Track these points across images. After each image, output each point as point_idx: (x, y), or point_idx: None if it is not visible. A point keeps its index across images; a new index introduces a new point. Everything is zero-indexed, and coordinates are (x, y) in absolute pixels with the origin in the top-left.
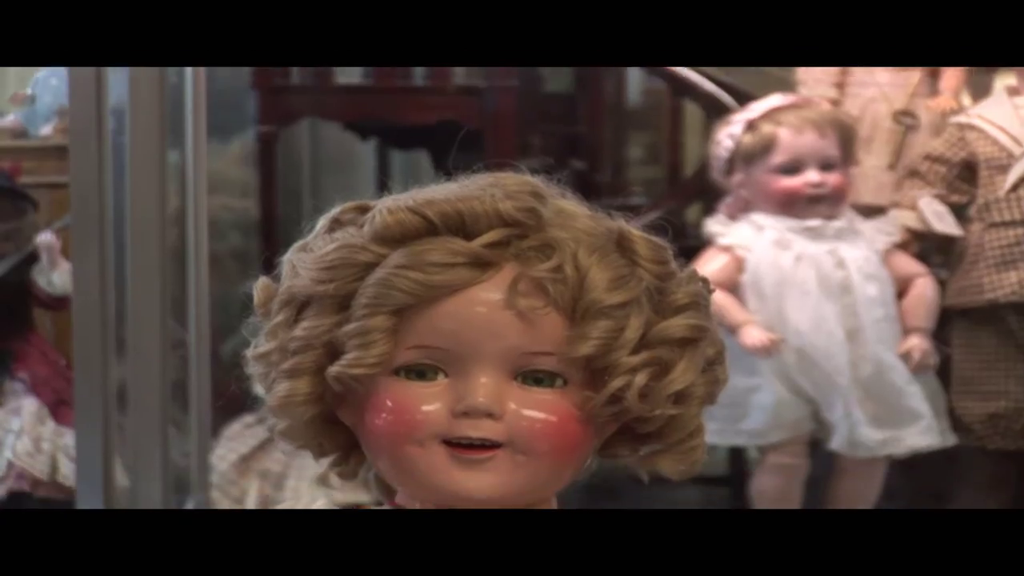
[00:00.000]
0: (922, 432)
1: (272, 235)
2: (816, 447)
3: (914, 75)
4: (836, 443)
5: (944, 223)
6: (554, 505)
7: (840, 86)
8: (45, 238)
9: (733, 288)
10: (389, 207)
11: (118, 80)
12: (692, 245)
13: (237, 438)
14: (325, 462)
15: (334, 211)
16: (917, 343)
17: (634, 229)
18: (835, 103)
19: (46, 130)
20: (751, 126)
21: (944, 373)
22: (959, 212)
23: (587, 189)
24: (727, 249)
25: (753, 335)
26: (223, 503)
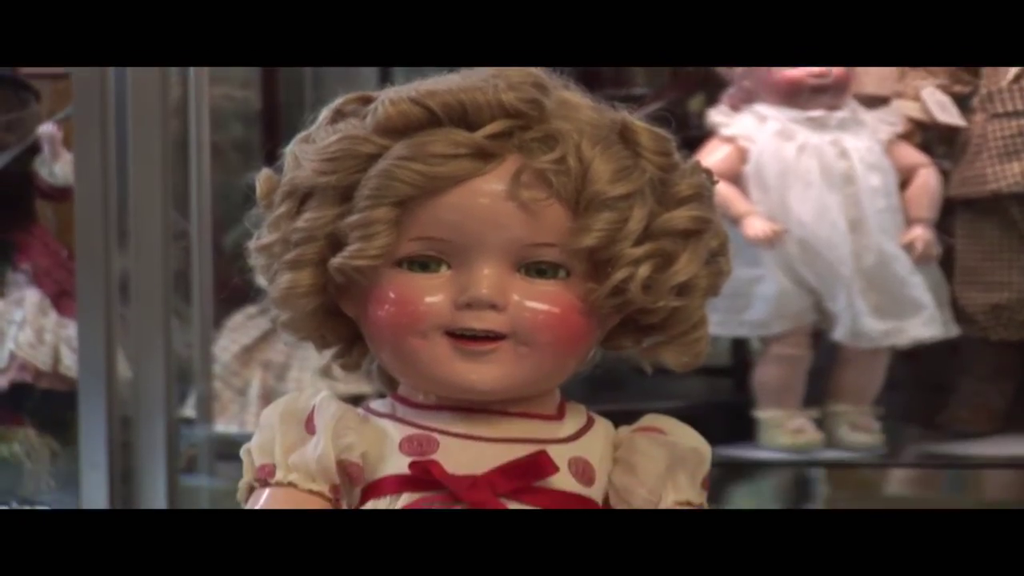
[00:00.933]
0: (925, 323)
1: (274, 126)
2: (819, 338)
3: None
4: (839, 334)
5: (947, 113)
6: (557, 398)
7: None
8: (47, 129)
9: (736, 179)
10: (391, 98)
11: None
12: (695, 136)
13: (239, 329)
14: (327, 354)
15: (337, 102)
16: (920, 234)
17: (637, 120)
18: None
19: None
20: None
21: (947, 264)
22: (962, 103)
23: (590, 80)
24: (730, 140)
25: (756, 226)
26: (225, 394)
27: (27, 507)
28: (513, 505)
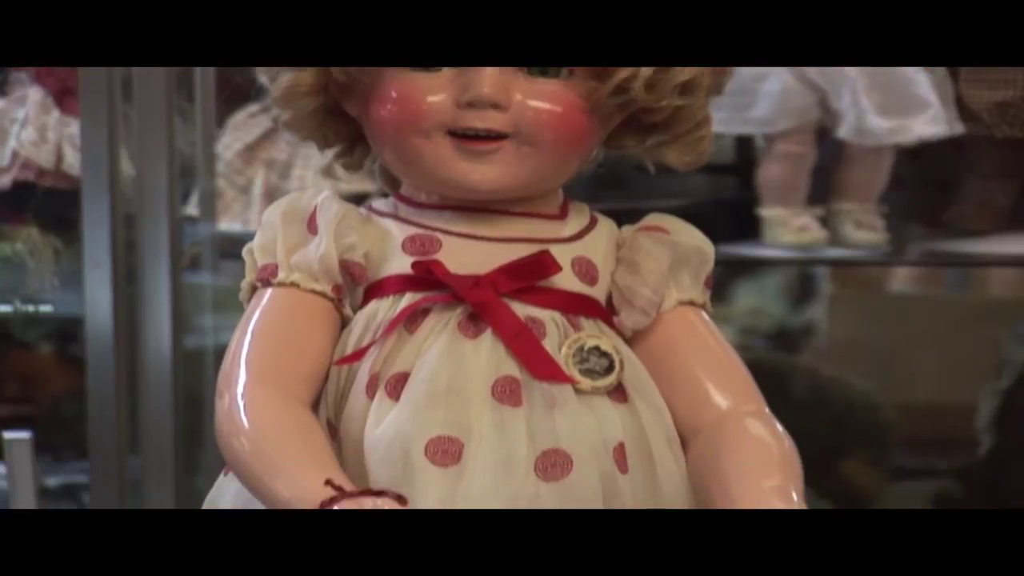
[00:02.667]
0: (930, 120)
1: None
2: (823, 136)
3: None
4: (844, 131)
5: None
6: (560, 197)
7: None
8: None
9: None
10: None
11: None
12: None
13: (242, 127)
14: (330, 153)
15: None
16: None
17: None
18: None
19: None
20: None
21: None
22: None
23: None
24: None
25: None
26: (228, 192)
27: (30, 306)
28: (515, 305)
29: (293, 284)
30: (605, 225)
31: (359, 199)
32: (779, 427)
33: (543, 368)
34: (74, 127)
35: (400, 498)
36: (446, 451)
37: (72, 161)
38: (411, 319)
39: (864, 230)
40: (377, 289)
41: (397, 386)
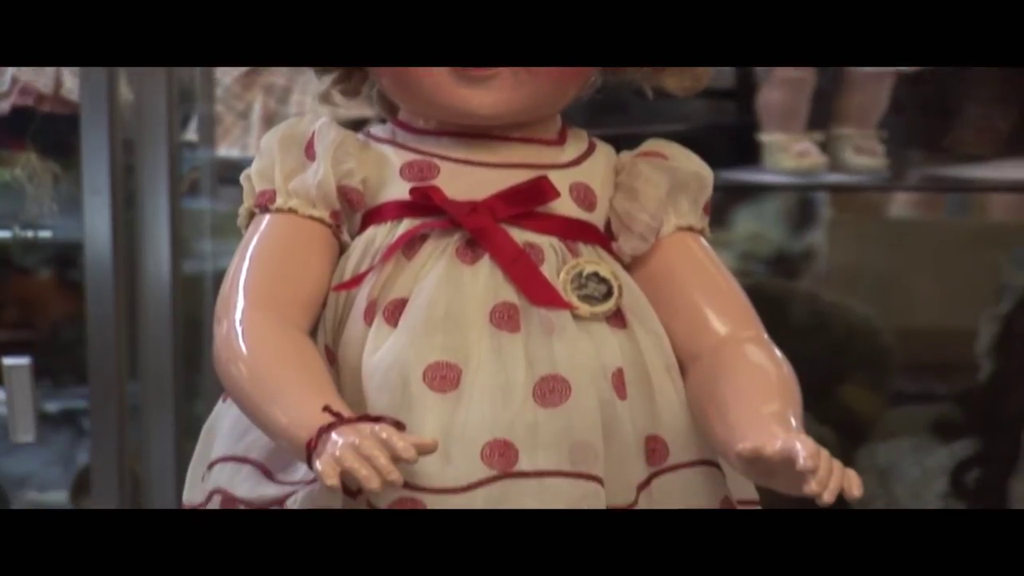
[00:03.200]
0: None
1: None
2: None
3: None
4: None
5: None
6: (558, 123)
7: None
8: None
9: None
10: None
11: None
12: None
13: None
14: (328, 79)
15: None
16: None
17: None
18: None
19: None
20: None
21: None
22: None
23: None
24: None
25: None
26: (227, 117)
27: (30, 232)
28: (514, 231)
29: (291, 210)
30: (603, 151)
31: (357, 125)
32: (778, 353)
33: (541, 294)
34: None
35: (398, 424)
36: (444, 377)
37: (71, 86)
38: (409, 245)
39: (864, 155)
40: (375, 215)
41: (395, 312)
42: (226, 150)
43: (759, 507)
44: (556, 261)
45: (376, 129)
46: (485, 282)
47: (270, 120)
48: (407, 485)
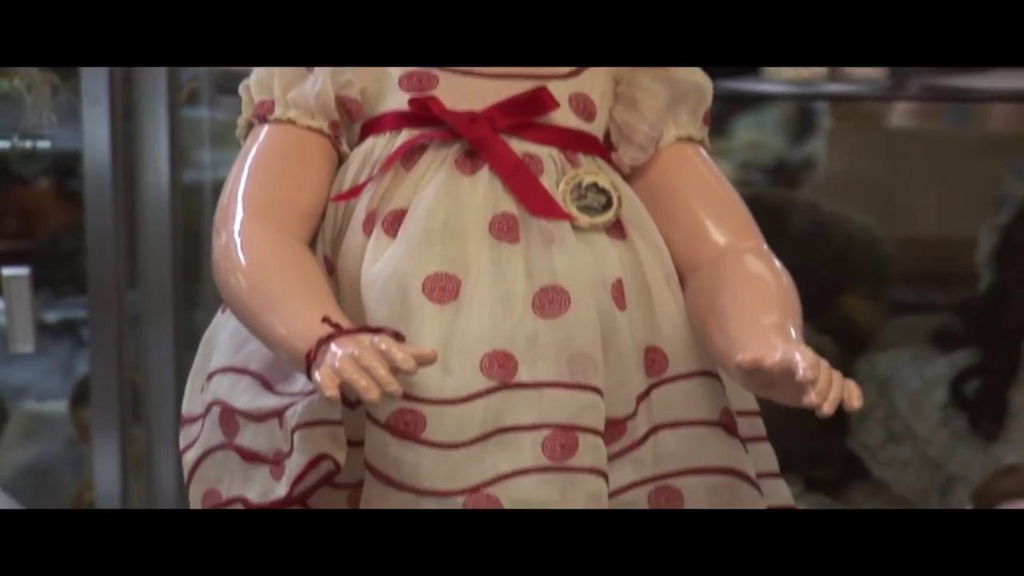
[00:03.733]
0: None
1: None
2: None
3: None
4: None
5: None
6: None
7: None
8: None
9: None
10: None
11: None
12: None
13: None
14: None
15: None
16: None
17: None
18: None
19: None
20: None
21: None
22: None
23: None
24: None
25: None
26: None
27: (28, 142)
28: (513, 142)
29: (289, 121)
30: None
31: None
32: (777, 263)
33: (541, 204)
34: None
35: (397, 335)
36: (443, 288)
37: None
38: (408, 156)
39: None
40: (374, 126)
41: (394, 223)
42: None
43: (759, 418)
44: (555, 172)
45: None
46: (484, 193)
47: None
48: (406, 396)
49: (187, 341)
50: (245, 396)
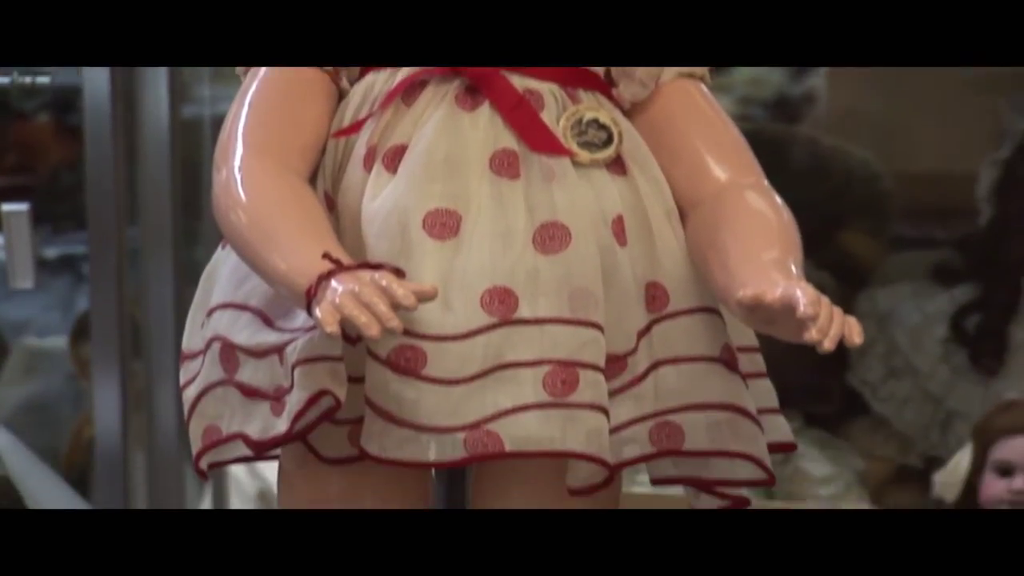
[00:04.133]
0: None
1: None
2: None
3: None
4: None
5: None
6: None
7: None
8: None
9: None
10: None
11: None
12: None
13: None
14: None
15: None
16: None
17: None
18: None
19: None
20: None
21: None
22: None
23: None
24: None
25: None
26: None
27: (28, 78)
28: (514, 78)
29: None
30: None
31: None
32: (778, 199)
33: (541, 140)
34: None
35: (398, 271)
36: (444, 224)
37: None
38: (408, 92)
39: None
40: None
41: (394, 158)
42: None
43: (759, 354)
44: (556, 108)
45: None
46: (485, 128)
47: None
48: (407, 332)
49: (187, 276)
50: (245, 332)
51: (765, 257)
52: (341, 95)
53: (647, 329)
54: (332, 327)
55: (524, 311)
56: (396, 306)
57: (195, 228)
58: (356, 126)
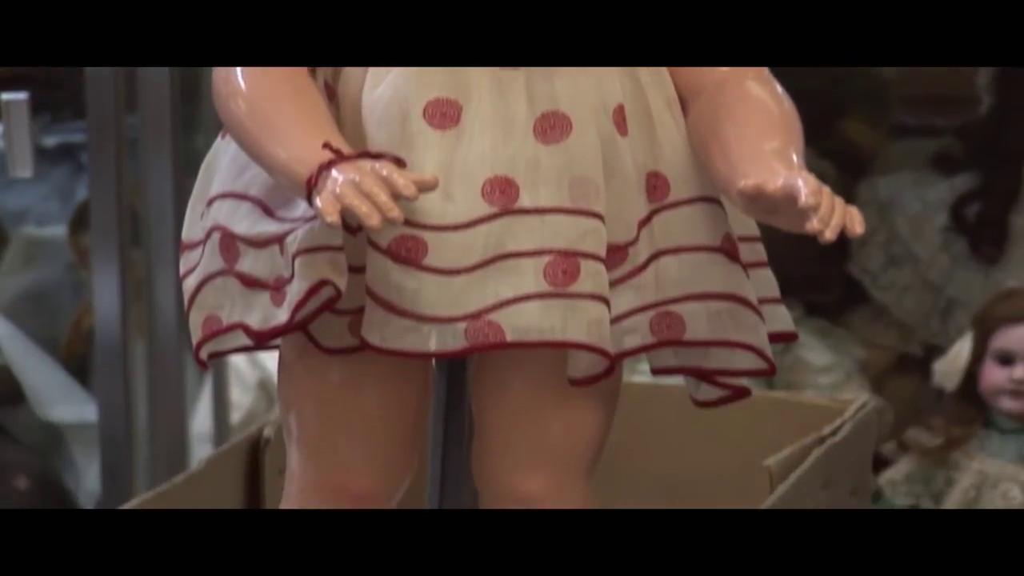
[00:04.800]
0: None
1: None
2: None
3: None
4: None
5: None
6: None
7: None
8: None
9: None
10: None
11: None
12: None
13: None
14: None
15: None
16: None
17: None
18: None
19: None
20: None
21: None
22: None
23: None
24: None
25: None
26: None
27: None
28: None
29: None
30: None
31: None
32: (779, 88)
33: None
34: None
35: (398, 161)
36: (444, 113)
37: None
38: None
39: None
40: None
41: None
42: None
43: (760, 244)
44: None
45: None
46: None
47: None
48: (407, 222)
49: (187, 166)
50: (246, 222)
51: (766, 147)
52: None
53: (648, 219)
54: (332, 217)
55: (525, 200)
56: (397, 196)
57: (195, 116)
58: None
